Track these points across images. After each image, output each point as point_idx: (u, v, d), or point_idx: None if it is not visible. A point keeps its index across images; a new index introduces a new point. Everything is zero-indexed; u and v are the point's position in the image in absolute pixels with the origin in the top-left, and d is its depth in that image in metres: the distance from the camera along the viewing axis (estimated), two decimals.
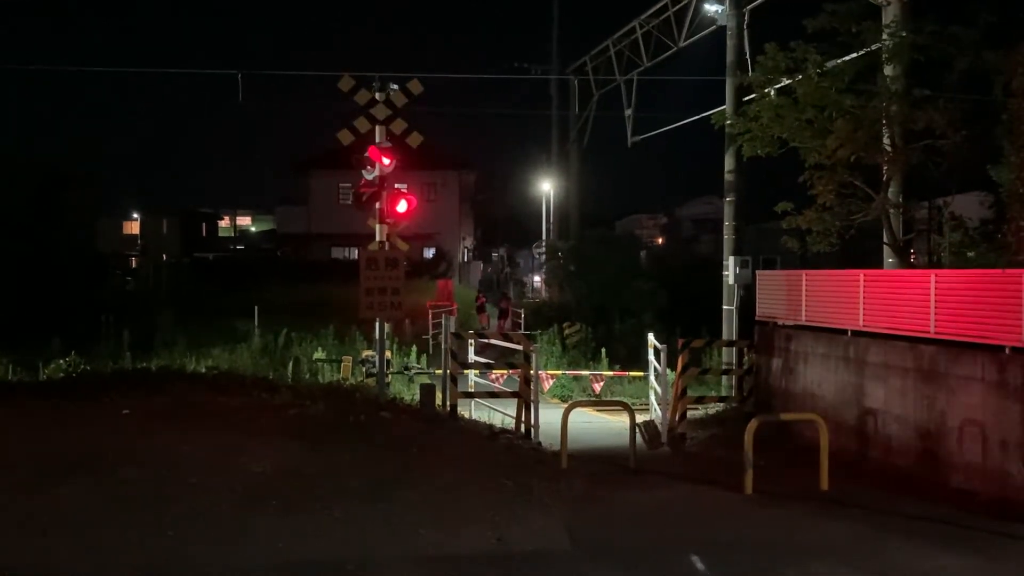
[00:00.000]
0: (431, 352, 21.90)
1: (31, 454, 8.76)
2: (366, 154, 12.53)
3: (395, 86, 12.69)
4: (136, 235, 56.70)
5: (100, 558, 6.55)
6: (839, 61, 12.82)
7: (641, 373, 15.29)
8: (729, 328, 14.89)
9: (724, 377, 14.79)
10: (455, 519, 7.58)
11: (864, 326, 10.36)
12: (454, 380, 12.57)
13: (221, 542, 6.91)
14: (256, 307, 23.40)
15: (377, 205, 12.69)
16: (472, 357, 13.60)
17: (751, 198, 16.41)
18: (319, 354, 19.08)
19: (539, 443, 11.34)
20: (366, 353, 14.96)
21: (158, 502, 7.62)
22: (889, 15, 12.46)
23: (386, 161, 12.50)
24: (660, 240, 62.56)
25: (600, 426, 14.15)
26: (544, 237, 38.77)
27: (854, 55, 12.70)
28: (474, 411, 13.56)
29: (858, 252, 15.74)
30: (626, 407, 10.77)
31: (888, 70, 12.48)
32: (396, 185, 12.86)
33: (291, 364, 18.08)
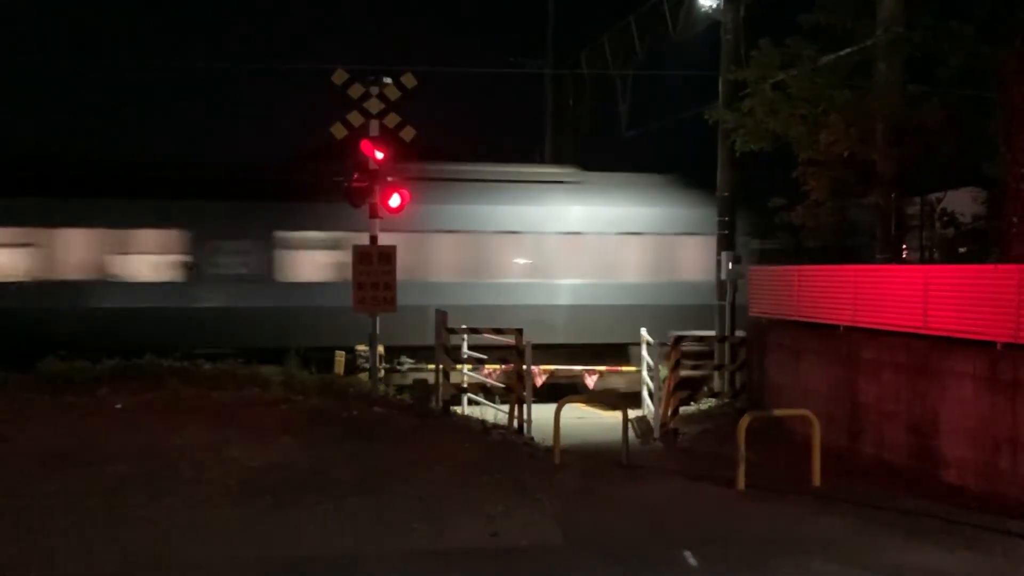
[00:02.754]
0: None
1: (23, 448, 8.74)
2: (360, 148, 12.49)
3: (388, 80, 12.65)
4: None
5: (92, 552, 6.54)
6: (833, 56, 12.81)
7: (634, 368, 15.30)
8: (722, 323, 14.87)
9: (716, 373, 14.79)
10: (448, 514, 7.58)
11: (857, 322, 10.38)
12: (447, 375, 12.56)
13: (214, 536, 6.91)
14: None
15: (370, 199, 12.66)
16: (465, 352, 13.58)
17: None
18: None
19: (532, 438, 11.35)
20: (359, 348, 14.92)
21: (150, 496, 7.61)
22: (884, 11, 12.44)
23: (379, 155, 12.46)
24: None
25: (593, 421, 14.15)
26: None
27: (848, 50, 12.70)
28: (467, 406, 13.55)
29: (851, 247, 15.74)
30: (619, 403, 10.79)
31: (882, 66, 12.48)
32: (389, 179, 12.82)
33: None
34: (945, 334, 8.99)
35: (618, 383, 16.57)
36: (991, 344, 8.41)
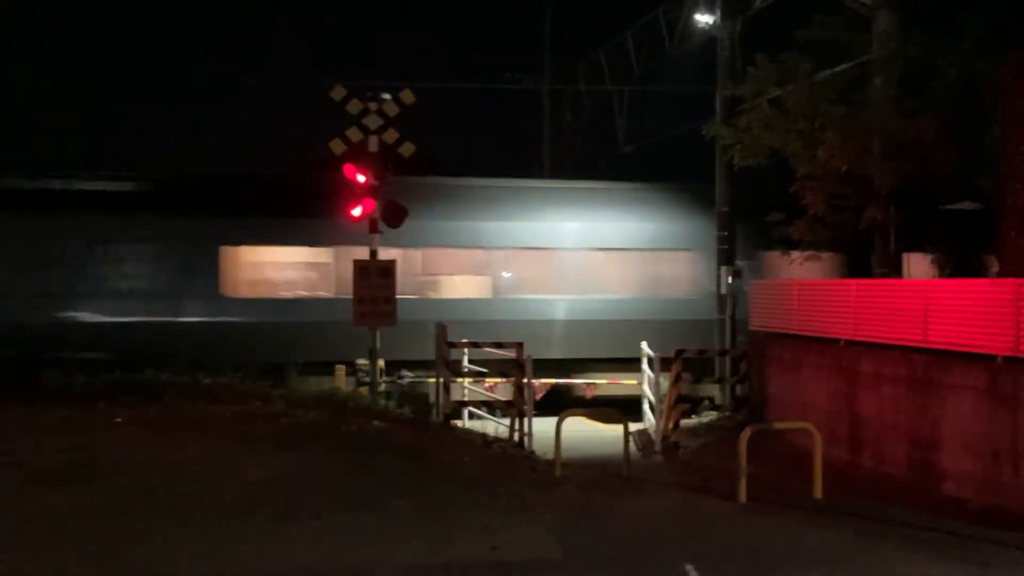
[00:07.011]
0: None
1: (23, 462, 8.71)
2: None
3: (387, 96, 12.71)
4: None
5: (91, 566, 6.51)
6: (829, 72, 12.89)
7: (635, 382, 15.30)
8: (722, 337, 14.89)
9: (717, 386, 14.80)
10: (448, 528, 7.56)
11: (857, 335, 10.39)
12: (447, 389, 12.55)
13: (212, 551, 6.88)
14: None
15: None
16: (466, 365, 13.58)
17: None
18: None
19: (532, 451, 11.33)
20: (359, 362, 14.90)
21: (149, 510, 7.58)
22: (880, 26, 12.54)
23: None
24: None
25: (593, 435, 14.12)
26: None
27: (844, 66, 12.78)
28: (467, 420, 13.54)
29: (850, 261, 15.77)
30: (620, 416, 10.78)
31: (878, 81, 12.55)
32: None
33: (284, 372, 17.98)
34: (945, 348, 9.00)
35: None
36: (991, 357, 8.42)
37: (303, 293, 15.82)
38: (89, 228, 14.73)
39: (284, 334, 14.66)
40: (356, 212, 12.56)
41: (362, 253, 12.79)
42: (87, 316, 14.78)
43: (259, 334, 14.64)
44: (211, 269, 15.07)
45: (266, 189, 15.70)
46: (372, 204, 12.58)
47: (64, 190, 15.08)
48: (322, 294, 15.62)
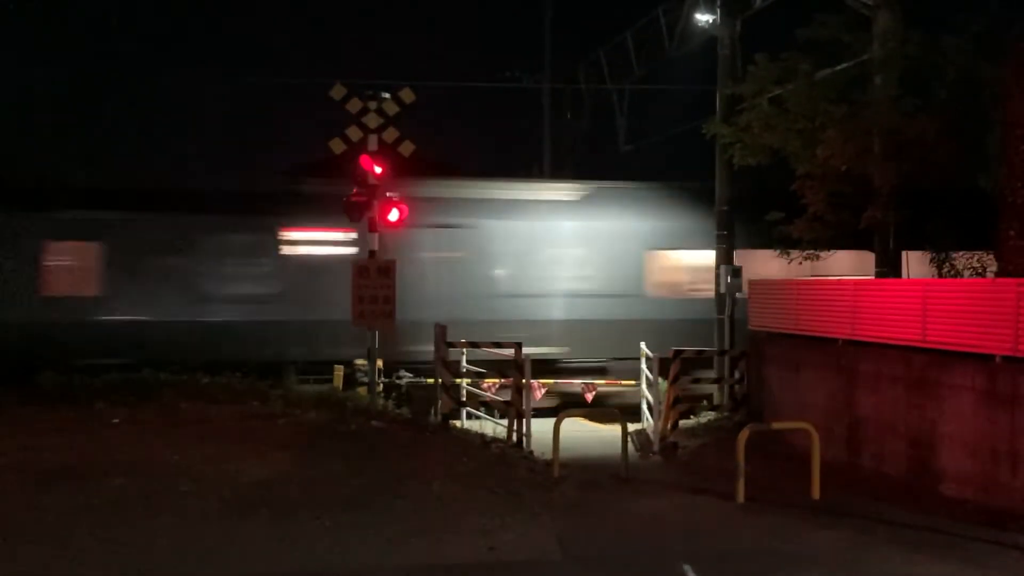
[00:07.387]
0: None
1: (19, 462, 8.71)
2: (359, 163, 12.52)
3: (387, 95, 12.70)
4: None
5: (87, 567, 6.51)
6: (829, 71, 12.88)
7: (633, 382, 15.30)
8: (721, 337, 14.88)
9: (715, 386, 14.79)
10: (446, 528, 7.56)
11: (855, 335, 10.38)
12: (445, 389, 12.54)
13: (210, 551, 6.88)
14: None
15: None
16: (464, 366, 13.56)
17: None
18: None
19: (531, 452, 11.32)
20: (358, 362, 14.90)
21: (147, 511, 7.59)
22: (879, 25, 12.52)
23: (378, 170, 12.49)
24: None
25: (592, 435, 14.12)
26: None
27: (844, 65, 12.77)
28: (466, 420, 13.52)
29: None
30: (618, 416, 10.77)
31: (878, 80, 12.54)
32: (387, 193, 12.82)
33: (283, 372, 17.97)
34: (944, 347, 9.00)
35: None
36: (990, 357, 8.42)
37: (700, 293, 16.32)
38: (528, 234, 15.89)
39: (697, 329, 15.32)
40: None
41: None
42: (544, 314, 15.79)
43: (672, 329, 15.33)
44: (636, 272, 16.13)
45: (679, 199, 16.77)
46: (370, 202, 12.55)
47: (513, 199, 16.34)
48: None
